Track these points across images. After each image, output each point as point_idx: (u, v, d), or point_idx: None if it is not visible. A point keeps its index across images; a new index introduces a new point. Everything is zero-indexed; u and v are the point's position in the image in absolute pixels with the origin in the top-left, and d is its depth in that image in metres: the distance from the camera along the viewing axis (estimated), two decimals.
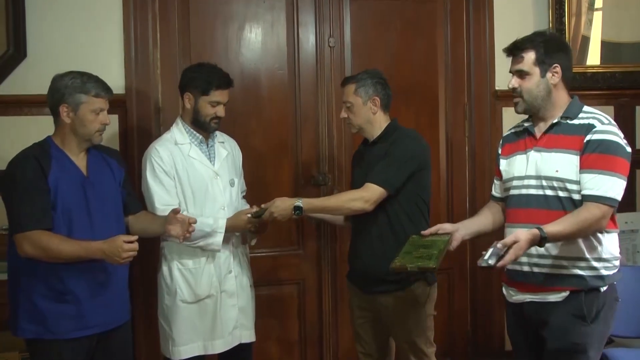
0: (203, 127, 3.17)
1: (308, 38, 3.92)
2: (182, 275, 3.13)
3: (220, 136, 3.31)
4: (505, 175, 2.84)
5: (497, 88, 4.10)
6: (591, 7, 4.20)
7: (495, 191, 2.98)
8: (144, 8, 3.65)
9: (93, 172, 2.87)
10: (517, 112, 2.78)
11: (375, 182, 2.95)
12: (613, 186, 2.53)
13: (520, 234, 2.44)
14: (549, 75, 2.67)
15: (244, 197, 3.43)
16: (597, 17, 4.22)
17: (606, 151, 2.55)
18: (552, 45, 2.69)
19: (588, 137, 2.57)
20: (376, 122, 3.10)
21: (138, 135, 3.64)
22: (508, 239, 2.45)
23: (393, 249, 2.79)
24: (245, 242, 3.31)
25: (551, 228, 2.47)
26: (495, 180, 2.99)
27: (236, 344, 3.20)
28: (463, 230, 2.85)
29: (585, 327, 2.59)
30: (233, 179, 3.26)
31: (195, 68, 3.20)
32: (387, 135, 3.09)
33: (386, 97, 3.11)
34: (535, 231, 2.45)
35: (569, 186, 2.59)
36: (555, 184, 2.62)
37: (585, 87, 4.16)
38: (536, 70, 2.67)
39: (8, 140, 3.47)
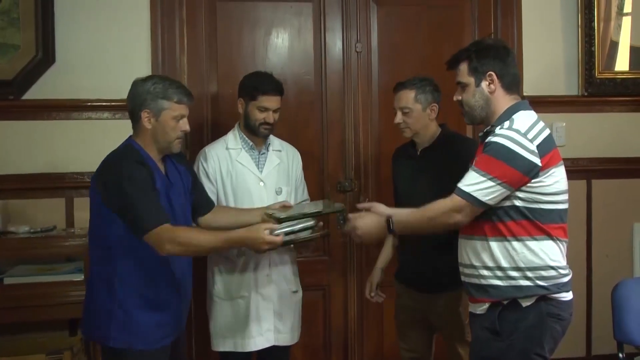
0: (254, 132, 3.20)
1: (335, 43, 3.91)
2: (219, 273, 3.23)
3: (278, 144, 3.34)
4: None
5: (525, 94, 3.96)
6: (620, 12, 4.15)
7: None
8: (171, 14, 3.68)
9: (172, 177, 2.82)
10: (466, 123, 2.79)
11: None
12: (478, 184, 2.44)
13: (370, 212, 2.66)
14: (484, 84, 2.57)
15: None
16: (627, 22, 4.18)
17: (490, 152, 2.44)
18: (484, 52, 2.59)
19: (487, 139, 2.50)
20: (431, 128, 3.12)
21: None
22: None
23: (453, 252, 2.78)
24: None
25: (398, 211, 2.60)
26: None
27: (267, 345, 3.23)
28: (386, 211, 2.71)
29: (498, 343, 2.49)
30: (281, 187, 3.26)
31: (249, 75, 3.26)
32: (443, 141, 3.11)
33: (440, 103, 3.14)
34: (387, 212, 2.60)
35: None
36: None
37: (614, 93, 4.13)
38: (471, 80, 2.59)
39: (37, 145, 3.53)
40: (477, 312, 2.59)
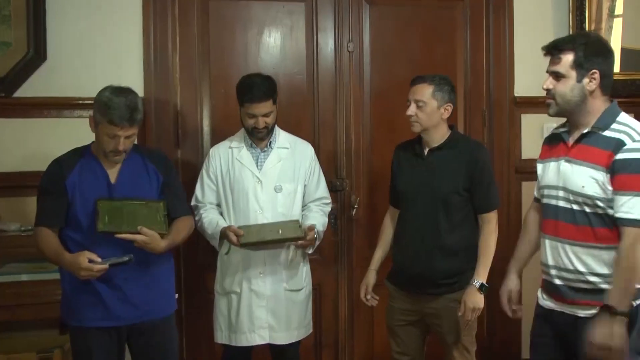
0: (252, 136, 3.26)
1: (327, 43, 3.91)
2: (218, 268, 3.33)
3: (285, 141, 3.35)
4: (540, 180, 2.80)
5: (516, 94, 4.08)
6: (611, 14, 4.16)
7: (537, 193, 2.89)
8: (163, 13, 3.67)
9: (124, 177, 2.90)
10: (549, 114, 2.66)
11: (489, 210, 3.09)
12: None
13: None
14: (585, 80, 2.54)
15: (323, 205, 3.42)
16: (618, 23, 4.19)
17: (638, 171, 2.44)
18: (593, 49, 2.55)
19: (618, 156, 2.46)
20: (441, 127, 3.10)
21: (157, 140, 3.66)
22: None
23: (452, 255, 3.02)
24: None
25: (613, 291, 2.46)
26: (537, 182, 2.88)
27: (261, 343, 3.26)
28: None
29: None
30: (281, 185, 3.27)
31: (240, 79, 3.26)
32: (454, 142, 3.10)
33: (454, 105, 3.15)
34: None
35: (595, 202, 2.52)
36: (580, 199, 2.55)
37: None
38: (573, 74, 2.55)
39: (28, 143, 3.53)
40: (583, 316, 2.57)
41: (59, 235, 2.86)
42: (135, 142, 2.96)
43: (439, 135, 3.10)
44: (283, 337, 3.29)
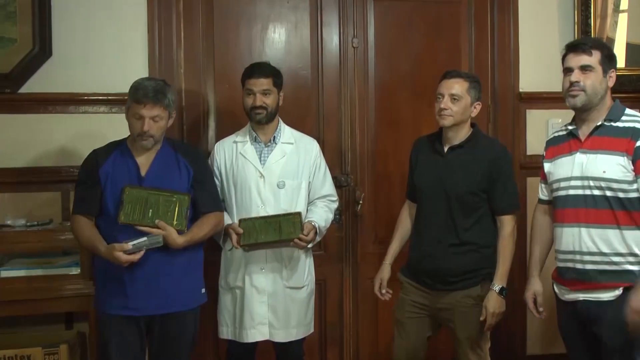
0: (251, 119, 3.27)
1: (332, 38, 3.91)
2: (223, 264, 3.34)
3: (289, 136, 3.36)
4: (550, 178, 2.93)
5: (521, 90, 4.07)
6: (617, 9, 4.14)
7: (542, 194, 3.06)
8: (168, 8, 3.67)
9: (155, 169, 2.98)
10: (575, 105, 2.80)
11: (507, 212, 3.09)
12: None
13: None
14: (607, 76, 2.79)
15: (329, 201, 3.40)
16: (623, 19, 4.17)
17: None
18: (611, 52, 2.85)
19: (639, 143, 2.67)
20: (466, 125, 3.12)
21: None
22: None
23: (467, 253, 3.04)
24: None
25: None
26: (540, 184, 3.07)
27: (261, 339, 3.25)
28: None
29: None
30: (284, 181, 3.26)
31: None
32: (475, 141, 3.11)
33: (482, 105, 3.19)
34: None
35: (616, 186, 2.69)
36: (602, 184, 2.71)
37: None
38: (599, 69, 2.77)
39: (34, 139, 3.53)
40: (607, 299, 2.71)
41: None
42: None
43: (463, 132, 3.11)
44: (281, 335, 3.27)
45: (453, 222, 3.06)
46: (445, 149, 3.12)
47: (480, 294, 3.06)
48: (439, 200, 3.08)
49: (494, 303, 3.00)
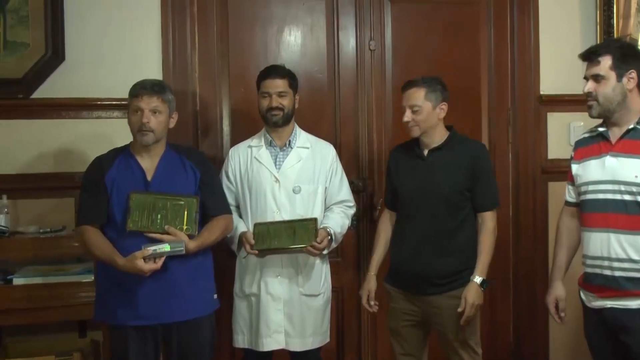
0: (267, 122, 3.25)
1: (348, 41, 3.88)
2: (237, 271, 3.31)
3: (305, 141, 3.33)
4: (578, 180, 2.88)
5: (542, 92, 4.02)
6: None
7: (570, 196, 3.01)
8: (182, 11, 3.65)
9: (161, 174, 2.95)
10: (591, 116, 2.80)
11: (490, 209, 3.12)
12: None
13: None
14: (624, 80, 2.70)
15: (346, 207, 3.37)
16: None
17: None
18: (628, 51, 2.76)
19: None
20: (440, 127, 3.13)
21: (175, 140, 3.56)
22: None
23: (454, 254, 3.05)
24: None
25: None
26: (568, 185, 3.02)
27: (277, 348, 3.21)
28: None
29: None
30: (299, 186, 3.23)
31: None
32: (454, 142, 3.13)
33: (448, 103, 3.17)
34: None
35: None
36: (634, 189, 2.65)
37: None
38: (612, 75, 2.70)
39: (46, 144, 3.52)
40: (634, 307, 2.66)
41: None
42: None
43: (438, 135, 3.13)
44: (297, 344, 3.23)
45: (439, 224, 3.07)
46: (425, 153, 3.14)
47: None
48: (424, 204, 3.09)
49: (473, 294, 3.00)
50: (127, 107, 3.45)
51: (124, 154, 2.98)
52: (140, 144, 2.93)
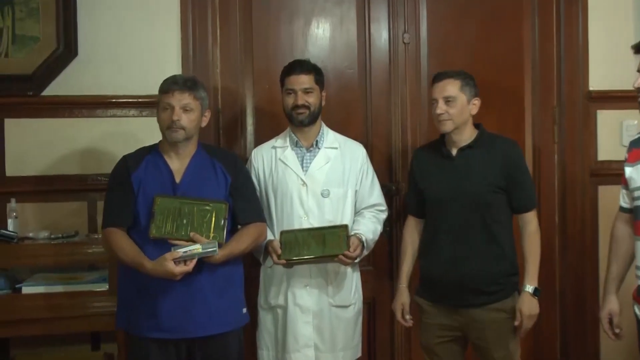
0: (292, 121, 3.16)
1: (380, 34, 3.77)
2: (262, 281, 3.23)
3: (333, 141, 3.25)
4: (631, 184, 2.72)
5: (591, 88, 3.87)
6: None
7: (624, 202, 2.87)
8: (203, 3, 3.59)
9: (190, 176, 2.88)
10: None
11: (530, 209, 3.04)
12: None
13: None
14: None
15: (377, 211, 3.26)
16: None
17: None
18: None
19: None
20: (470, 124, 3.05)
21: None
22: None
23: (493, 259, 2.95)
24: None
25: None
26: (622, 190, 2.87)
27: None
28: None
29: None
30: (328, 189, 3.13)
31: None
32: (484, 140, 3.05)
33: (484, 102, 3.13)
34: None
35: None
36: None
37: None
38: None
39: (58, 145, 3.46)
40: None
41: None
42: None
43: (468, 133, 3.06)
44: (328, 359, 3.14)
45: (475, 228, 2.98)
46: (454, 152, 3.06)
47: (514, 306, 2.98)
48: (457, 207, 3.00)
49: (528, 304, 2.92)
50: (143, 105, 3.56)
51: (152, 153, 2.93)
52: (170, 141, 2.86)
